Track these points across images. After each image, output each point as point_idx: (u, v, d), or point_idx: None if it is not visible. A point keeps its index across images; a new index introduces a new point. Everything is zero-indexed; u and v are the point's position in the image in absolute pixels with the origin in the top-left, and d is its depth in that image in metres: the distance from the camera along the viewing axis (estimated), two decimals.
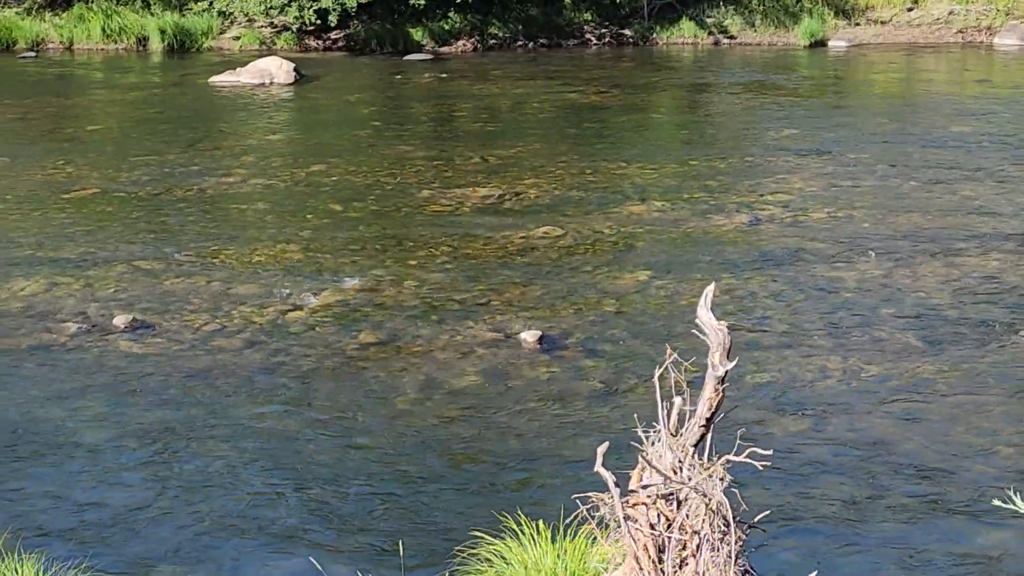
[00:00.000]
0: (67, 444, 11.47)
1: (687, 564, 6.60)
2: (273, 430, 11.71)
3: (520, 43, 36.67)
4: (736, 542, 6.59)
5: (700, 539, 6.59)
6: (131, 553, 9.68)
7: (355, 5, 34.55)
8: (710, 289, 7.44)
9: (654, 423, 7.04)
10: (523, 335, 13.71)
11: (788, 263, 16.15)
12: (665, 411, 7.00)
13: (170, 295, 15.11)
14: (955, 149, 22.27)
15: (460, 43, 36.38)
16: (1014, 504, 6.48)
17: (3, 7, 36.45)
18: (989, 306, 14.57)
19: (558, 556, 8.17)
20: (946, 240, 16.95)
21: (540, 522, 8.44)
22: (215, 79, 30.36)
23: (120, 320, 14.20)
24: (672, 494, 6.68)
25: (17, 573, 8.02)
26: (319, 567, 8.14)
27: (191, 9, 35.98)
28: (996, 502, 6.61)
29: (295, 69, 30.54)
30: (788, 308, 14.59)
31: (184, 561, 9.56)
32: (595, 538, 7.75)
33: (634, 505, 6.73)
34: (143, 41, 35.64)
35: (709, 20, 37.85)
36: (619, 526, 6.69)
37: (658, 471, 6.75)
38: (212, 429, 11.71)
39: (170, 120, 26.15)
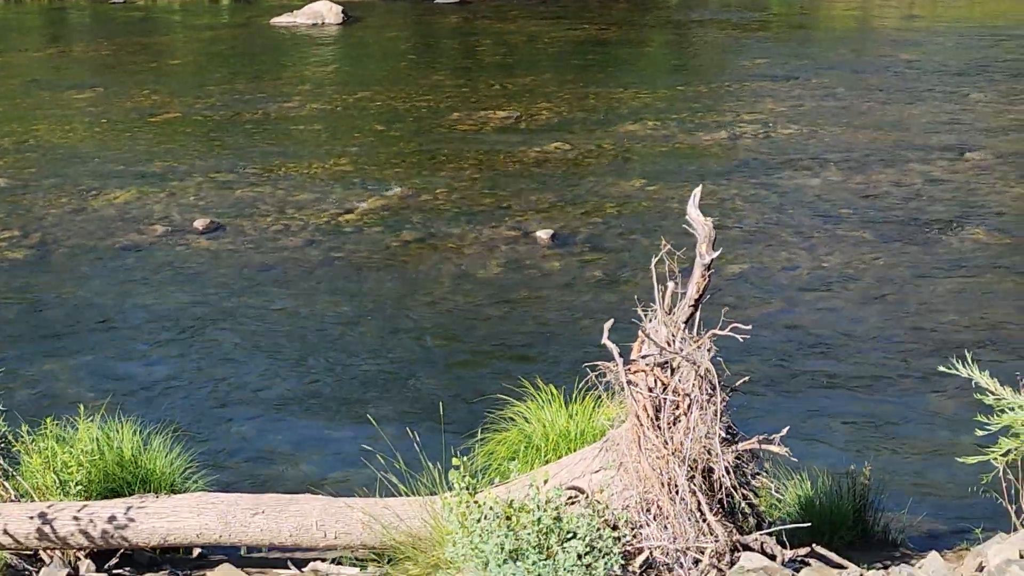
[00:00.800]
0: (156, 326, 11.50)
1: (680, 421, 6.58)
2: (330, 313, 11.71)
3: None
4: (721, 403, 6.56)
5: (691, 400, 6.56)
6: (209, 413, 9.72)
7: None
8: (698, 190, 7.36)
9: (651, 304, 7.00)
10: (538, 233, 13.66)
11: (761, 172, 16.04)
12: (660, 293, 6.95)
13: (241, 202, 15.07)
14: (904, 74, 22.04)
15: None
16: (955, 370, 6.45)
17: None
18: (932, 206, 14.47)
19: (570, 416, 8.18)
20: (896, 151, 16.81)
21: (554, 387, 8.44)
22: (275, 20, 30.10)
23: (199, 223, 14.17)
24: (667, 362, 6.65)
25: (115, 433, 8.03)
26: (375, 423, 8.15)
27: None
28: (941, 368, 6.58)
29: (343, 11, 30.26)
30: (761, 209, 14.52)
31: (253, 420, 9.61)
32: (601, 400, 7.74)
33: (635, 372, 6.69)
34: None
35: None
36: (622, 390, 6.66)
37: (655, 343, 6.72)
38: (278, 313, 11.72)
39: (238, 55, 25.96)
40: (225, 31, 29.72)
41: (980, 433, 6.27)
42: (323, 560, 7.38)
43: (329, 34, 28.73)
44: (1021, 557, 5.08)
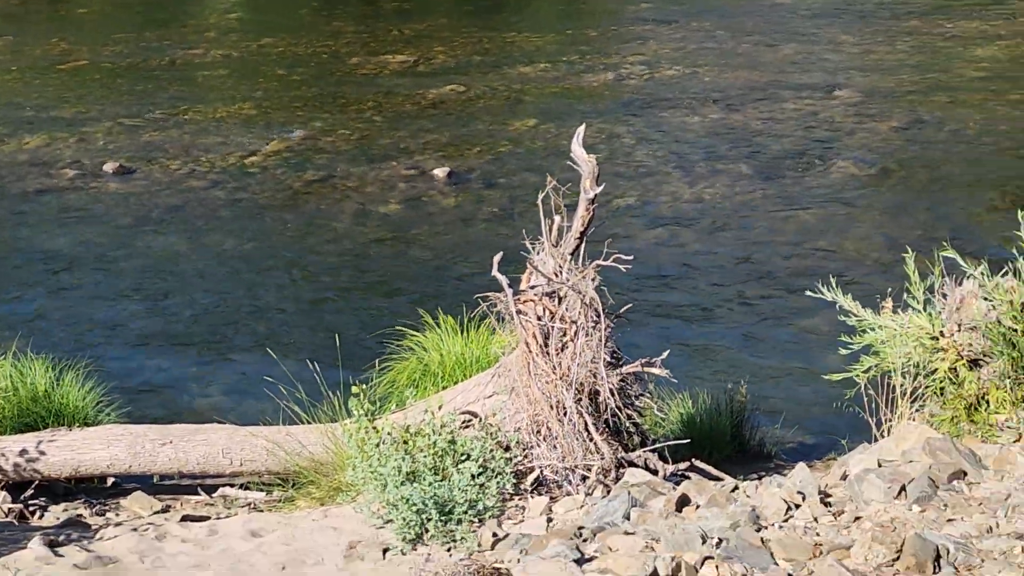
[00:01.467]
0: (67, 265, 11.30)
1: (567, 347, 6.60)
2: (236, 251, 11.58)
3: None
4: (605, 329, 6.59)
5: (577, 327, 6.58)
6: (120, 349, 9.60)
7: None
8: (581, 129, 7.35)
9: (539, 237, 7.00)
10: (435, 171, 13.59)
11: (646, 110, 16.06)
12: (547, 227, 6.95)
13: (149, 145, 14.82)
14: (777, 16, 22.13)
15: None
16: (822, 294, 6.53)
17: None
18: (804, 141, 14.59)
19: (466, 344, 8.17)
20: (770, 89, 16.91)
21: (451, 317, 8.43)
22: None
23: (109, 166, 13.92)
24: (554, 292, 6.66)
25: (28, 369, 7.90)
26: (275, 355, 8.09)
27: None
28: (808, 293, 6.66)
29: None
30: (646, 146, 14.55)
31: (162, 354, 9.51)
32: (494, 330, 7.75)
33: (524, 302, 6.70)
34: None
35: None
36: (512, 319, 6.67)
37: (542, 274, 6.72)
38: (186, 252, 11.57)
39: (144, 4, 25.42)
40: None
41: (844, 352, 6.37)
42: (231, 486, 7.35)
43: None
44: (879, 466, 5.17)
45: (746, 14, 22.67)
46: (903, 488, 4.85)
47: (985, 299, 6.13)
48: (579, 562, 4.40)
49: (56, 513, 7.19)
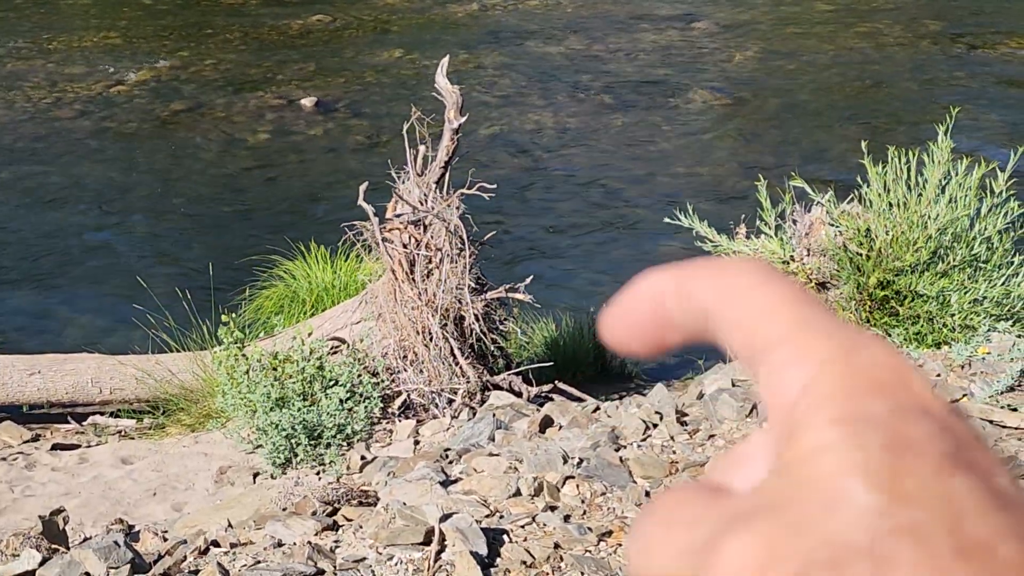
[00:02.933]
0: None
1: (432, 274, 6.59)
2: (103, 180, 11.31)
3: None
4: (470, 256, 6.59)
5: (442, 255, 6.57)
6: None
7: None
8: (445, 60, 7.30)
9: (404, 167, 6.94)
10: (303, 101, 13.39)
11: (509, 41, 15.98)
12: (412, 157, 6.90)
13: (12, 75, 14.35)
14: None
15: None
16: (679, 220, 6.60)
17: None
18: (663, 71, 14.66)
19: (334, 272, 8.12)
20: (631, 21, 16.93)
21: (321, 247, 8.35)
22: None
23: None
24: (419, 221, 6.63)
25: None
26: (144, 285, 7.94)
27: None
28: (666, 219, 6.72)
29: None
30: (510, 76, 14.50)
31: (28, 285, 9.27)
32: (362, 258, 7.70)
33: (390, 230, 6.66)
34: None
35: None
36: (379, 247, 6.63)
37: (407, 203, 6.68)
38: (51, 182, 11.26)
39: None
40: None
41: None
42: (101, 414, 7.23)
43: None
44: (733, 385, 5.26)
45: None
46: (755, 407, 4.94)
47: (832, 225, 6.25)
48: (444, 484, 4.41)
49: None
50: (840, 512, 0.40)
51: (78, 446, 6.76)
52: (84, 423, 7.23)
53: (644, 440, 4.82)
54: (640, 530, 0.45)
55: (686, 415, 5.16)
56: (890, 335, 6.02)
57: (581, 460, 4.54)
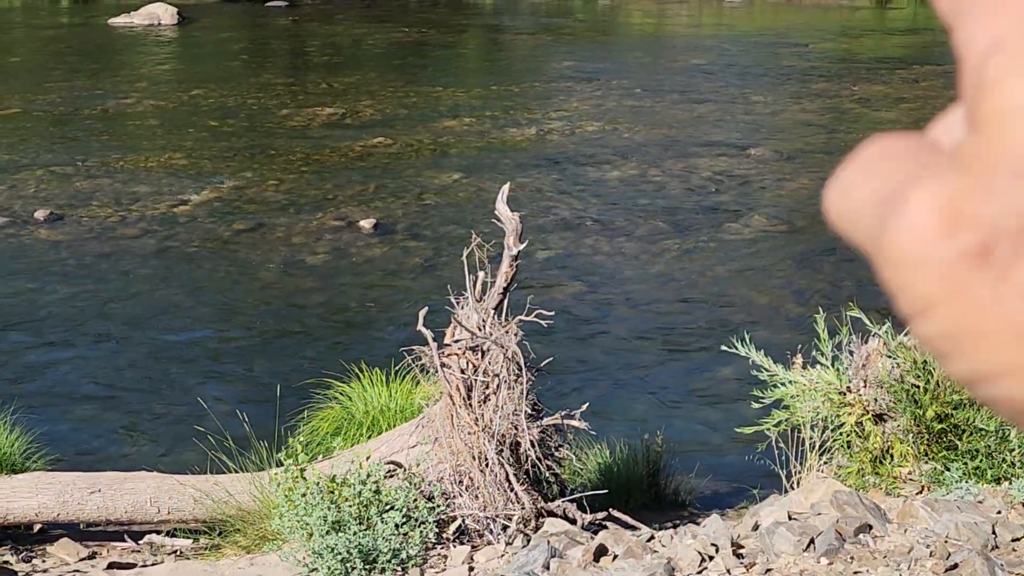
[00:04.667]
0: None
1: (489, 400, 6.64)
2: (164, 299, 11.49)
3: None
4: (527, 382, 6.64)
5: (499, 380, 6.62)
6: (47, 396, 9.47)
7: None
8: (505, 187, 7.42)
9: (463, 292, 7.03)
10: (362, 223, 13.59)
11: (567, 165, 16.19)
12: (472, 282, 6.99)
13: (80, 193, 14.68)
14: (694, 76, 22.45)
15: None
16: (734, 348, 6.62)
17: None
18: (719, 197, 14.79)
19: (390, 394, 8.18)
20: (687, 146, 17.13)
21: (377, 369, 8.42)
22: (113, 20, 29.34)
23: (40, 213, 13.77)
24: (477, 346, 6.69)
25: None
26: (204, 404, 8.04)
27: None
28: (722, 347, 6.74)
29: (178, 13, 29.63)
30: (567, 200, 14.66)
31: (90, 402, 9.39)
32: (418, 381, 7.76)
33: (448, 355, 6.73)
34: None
35: None
36: (436, 371, 6.69)
37: (466, 329, 6.76)
38: (115, 300, 11.46)
39: (77, 53, 25.25)
40: (64, 30, 28.87)
41: (756, 406, 6.46)
42: (158, 533, 7.27)
43: (165, 34, 28.12)
44: (789, 519, 5.24)
45: (663, 74, 22.97)
46: (812, 541, 4.92)
47: (889, 356, 6.25)
48: None
49: None
50: None
51: (134, 565, 6.81)
52: (140, 541, 7.28)
53: (700, 573, 4.81)
54: (841, 172, 0.45)
55: (742, 547, 5.15)
56: (948, 469, 5.98)
57: None
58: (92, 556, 7.12)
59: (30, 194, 14.62)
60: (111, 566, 6.74)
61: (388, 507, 6.12)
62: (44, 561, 7.07)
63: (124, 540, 7.30)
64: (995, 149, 0.40)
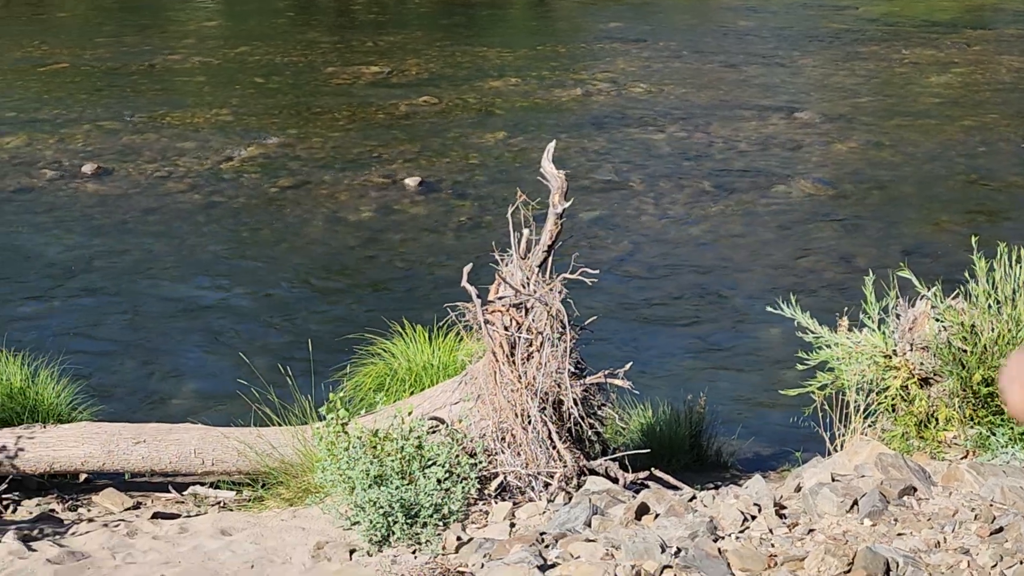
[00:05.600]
0: (44, 265, 11.24)
1: (533, 357, 6.62)
2: (210, 254, 11.55)
3: None
4: (570, 340, 6.61)
5: (543, 338, 6.60)
6: (94, 348, 9.55)
7: None
8: (551, 145, 7.37)
9: (507, 249, 7.01)
10: (406, 180, 13.59)
11: (612, 126, 16.12)
12: (516, 240, 6.97)
13: (127, 148, 14.75)
14: (741, 39, 22.26)
15: None
16: (780, 310, 6.57)
17: None
18: (764, 160, 14.68)
19: (433, 351, 8.18)
20: (733, 109, 17.00)
21: (419, 326, 8.42)
22: None
23: (88, 167, 13.85)
24: (521, 303, 6.67)
25: (3, 366, 7.85)
26: (247, 359, 8.07)
27: None
28: (768, 308, 6.70)
29: None
30: (612, 161, 14.60)
31: (136, 355, 9.45)
32: (461, 338, 7.76)
33: (492, 312, 6.71)
34: None
35: None
36: (480, 328, 6.68)
37: (510, 286, 6.74)
38: (160, 254, 11.52)
39: (124, 9, 25.32)
40: None
41: (800, 368, 6.41)
42: (201, 484, 7.32)
43: None
44: (833, 480, 5.21)
45: (710, 36, 22.78)
46: (855, 502, 4.88)
47: (936, 320, 6.18)
48: (542, 568, 4.41)
49: (29, 508, 7.15)
50: None
51: (178, 515, 6.85)
52: (184, 492, 7.33)
53: (742, 532, 4.79)
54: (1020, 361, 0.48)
55: (784, 508, 5.12)
56: (994, 434, 5.93)
57: (679, 550, 4.51)
58: (137, 506, 7.18)
59: (78, 148, 14.71)
60: (156, 516, 6.79)
61: (430, 462, 6.12)
62: (89, 510, 7.14)
63: (168, 491, 7.36)
64: None
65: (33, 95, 17.34)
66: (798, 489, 5.35)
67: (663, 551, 4.49)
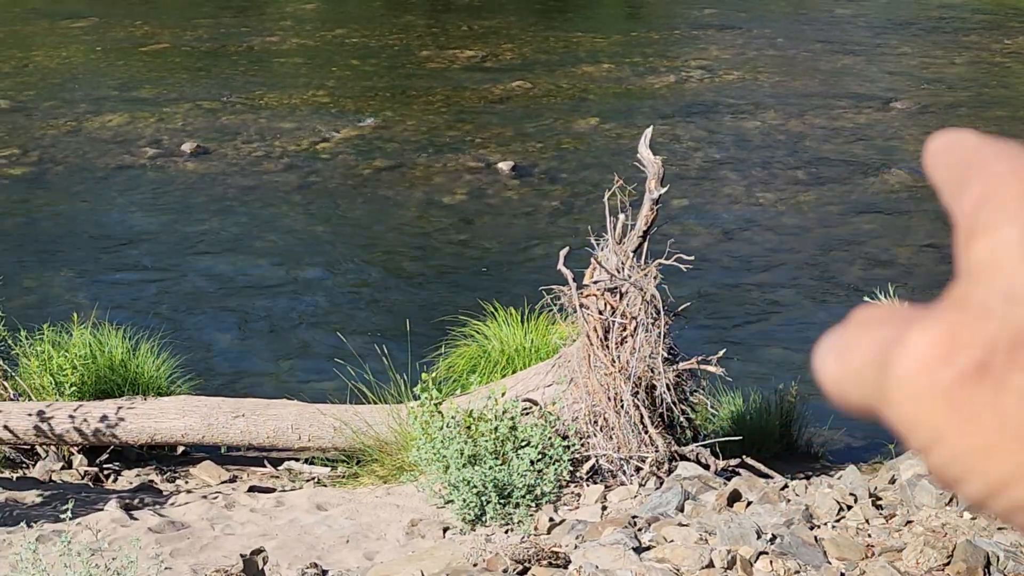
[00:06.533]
0: (144, 241, 11.42)
1: (626, 342, 6.62)
2: (306, 233, 11.66)
3: None
4: (664, 326, 6.60)
5: (637, 323, 6.60)
6: (192, 323, 9.69)
7: None
8: (648, 131, 7.37)
9: (603, 234, 7.01)
10: (500, 164, 13.61)
11: (706, 114, 16.01)
12: (612, 224, 6.97)
13: (226, 128, 14.93)
14: (837, 27, 22.00)
15: None
16: (877, 299, 6.51)
17: None
18: (860, 150, 14.51)
19: (526, 334, 8.21)
20: (829, 98, 16.81)
21: (512, 307, 8.45)
22: None
23: (187, 146, 14.04)
24: (616, 288, 6.67)
25: (106, 339, 8.01)
26: (344, 339, 8.16)
27: None
28: (866, 299, 6.63)
29: None
30: (706, 148, 14.51)
31: (233, 331, 9.58)
32: (554, 321, 7.77)
33: (587, 296, 6.72)
34: None
35: None
36: (575, 312, 6.69)
37: (606, 270, 6.74)
38: (259, 232, 11.66)
39: None
40: None
41: None
42: (297, 460, 7.42)
43: None
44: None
45: (807, 23, 22.54)
46: (954, 496, 4.83)
47: None
48: (637, 550, 4.42)
49: (129, 478, 7.29)
50: (1022, 298, 0.42)
51: (274, 489, 6.95)
52: (280, 467, 7.43)
53: (838, 521, 4.76)
54: (833, 338, 0.47)
55: (880, 499, 5.08)
56: None
57: (775, 536, 4.50)
58: (233, 479, 7.29)
59: (178, 127, 14.91)
60: (252, 489, 6.90)
61: (524, 443, 6.16)
62: (187, 482, 7.27)
63: (264, 465, 7.47)
64: (987, 282, 0.42)
65: (134, 74, 17.61)
66: (893, 481, 5.30)
67: (758, 537, 4.48)
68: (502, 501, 5.87)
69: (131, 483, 7.18)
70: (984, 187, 0.47)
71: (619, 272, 6.74)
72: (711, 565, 4.21)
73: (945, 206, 0.50)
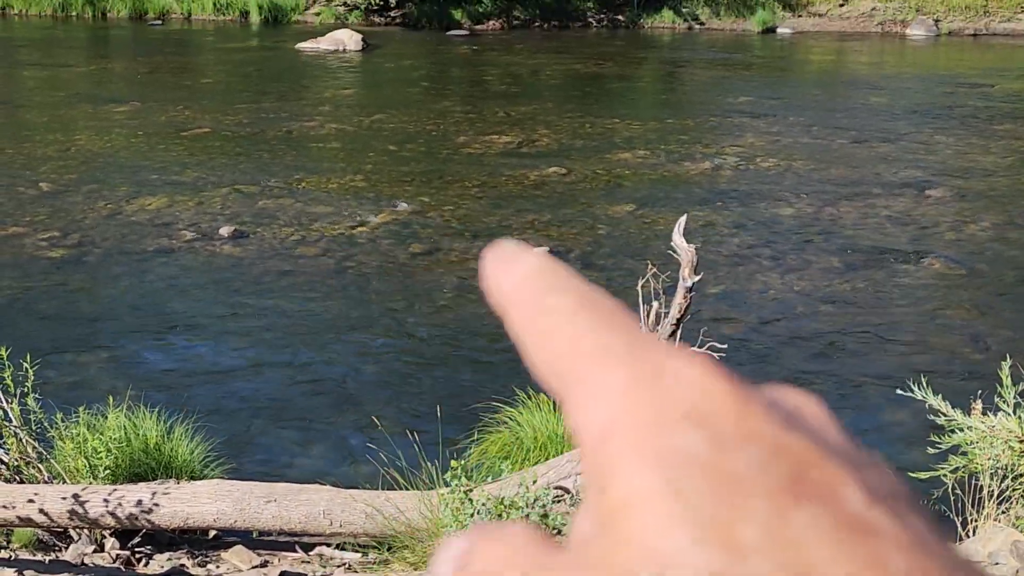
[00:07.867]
0: (181, 324, 11.51)
1: None
2: (341, 318, 11.72)
3: (537, 24, 36.39)
4: None
5: None
6: (227, 407, 9.73)
7: None
8: (683, 219, 7.40)
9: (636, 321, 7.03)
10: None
11: (741, 201, 16.07)
12: (645, 312, 6.98)
13: (263, 212, 15.09)
14: (873, 115, 22.09)
15: (491, 23, 36.09)
16: (911, 392, 6.47)
17: None
18: (895, 238, 14.50)
19: (558, 421, 8.20)
20: (863, 186, 16.85)
21: (544, 395, 8.45)
22: (300, 45, 30.16)
23: (225, 230, 14.19)
24: None
25: (140, 422, 8.06)
26: (378, 422, 8.17)
27: None
28: (899, 390, 6.60)
29: (363, 39, 30.31)
30: (740, 235, 14.54)
31: (265, 415, 9.61)
32: None
33: None
34: (245, 14, 35.43)
35: (684, 9, 37.55)
36: None
37: None
38: (294, 316, 11.73)
39: (265, 77, 25.99)
40: (254, 53, 29.75)
41: (932, 451, 6.30)
42: (328, 545, 7.41)
43: (349, 60, 28.77)
44: None
45: (841, 111, 22.65)
46: None
47: None
48: None
49: (161, 562, 7.29)
50: None
51: (304, 575, 6.94)
52: (311, 553, 7.42)
53: None
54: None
55: None
56: None
57: None
58: (264, 564, 7.28)
59: (216, 211, 15.08)
60: (282, 575, 6.89)
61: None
62: (218, 567, 7.26)
63: (295, 550, 7.45)
64: (622, 550, 0.34)
65: (175, 158, 17.85)
66: None
67: None
68: None
69: (163, 567, 7.18)
70: (609, 404, 0.37)
71: None
72: None
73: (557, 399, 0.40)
